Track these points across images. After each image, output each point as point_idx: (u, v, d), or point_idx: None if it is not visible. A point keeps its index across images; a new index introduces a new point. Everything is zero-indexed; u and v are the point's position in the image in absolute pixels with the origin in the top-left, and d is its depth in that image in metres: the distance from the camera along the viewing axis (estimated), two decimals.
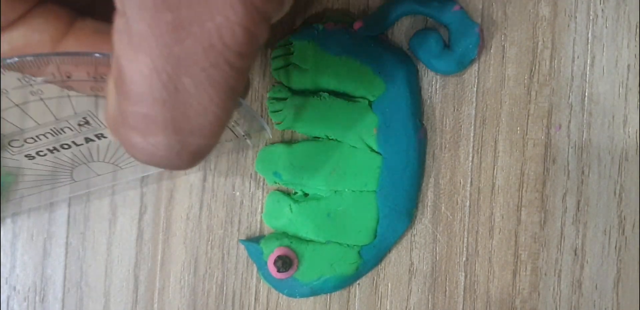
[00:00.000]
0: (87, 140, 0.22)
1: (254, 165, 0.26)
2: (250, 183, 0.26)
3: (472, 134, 0.26)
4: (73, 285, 0.27)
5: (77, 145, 0.22)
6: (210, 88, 0.15)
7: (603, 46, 0.25)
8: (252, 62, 0.16)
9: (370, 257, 0.25)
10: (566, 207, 0.25)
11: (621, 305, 0.25)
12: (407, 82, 0.25)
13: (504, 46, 0.26)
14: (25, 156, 0.22)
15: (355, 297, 0.26)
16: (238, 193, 0.26)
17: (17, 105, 0.19)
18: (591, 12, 0.25)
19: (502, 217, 0.26)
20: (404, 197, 0.25)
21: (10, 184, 0.24)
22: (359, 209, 0.25)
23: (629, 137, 0.25)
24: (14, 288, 0.27)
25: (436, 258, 0.26)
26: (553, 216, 0.25)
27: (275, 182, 0.26)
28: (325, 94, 0.25)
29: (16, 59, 0.17)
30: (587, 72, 0.25)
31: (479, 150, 0.26)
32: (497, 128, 0.26)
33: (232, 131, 0.22)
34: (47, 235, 0.27)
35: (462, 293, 0.26)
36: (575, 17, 0.25)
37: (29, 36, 0.18)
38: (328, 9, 0.26)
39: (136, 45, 0.15)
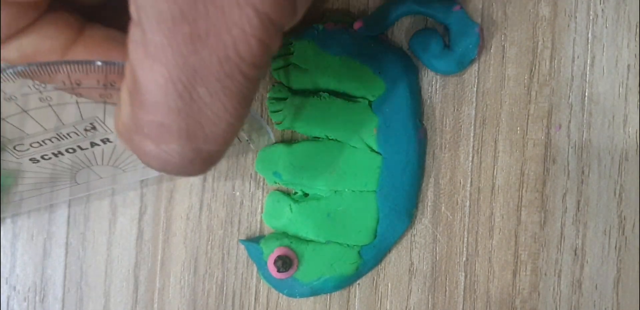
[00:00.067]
0: (93, 144, 0.22)
1: (254, 165, 0.26)
2: (250, 183, 0.26)
3: (472, 134, 0.26)
4: (73, 285, 0.27)
5: (82, 149, 0.22)
6: (225, 97, 0.16)
7: (603, 46, 0.25)
8: (265, 72, 0.17)
9: (370, 257, 0.25)
10: (566, 207, 0.25)
11: (621, 305, 0.25)
12: (407, 82, 0.25)
13: (504, 46, 0.26)
14: (30, 159, 0.22)
15: (355, 297, 0.26)
16: (238, 193, 0.26)
17: (24, 111, 0.19)
18: (591, 12, 0.25)
19: (502, 217, 0.26)
20: (404, 197, 0.25)
21: (10, 186, 0.24)
22: (359, 209, 0.25)
23: (629, 137, 0.25)
24: (14, 288, 0.27)
25: (436, 258, 0.26)
26: (553, 216, 0.25)
27: (275, 182, 0.26)
28: (325, 94, 0.25)
29: (20, 68, 0.17)
30: (587, 72, 0.25)
31: (479, 150, 0.26)
32: (497, 128, 0.26)
33: (237, 136, 0.22)
34: (47, 235, 0.27)
35: (462, 293, 0.26)
36: (575, 17, 0.25)
37: (40, 43, 0.19)
38: (328, 9, 0.26)
39: (152, 55, 0.15)
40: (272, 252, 0.25)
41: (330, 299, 0.26)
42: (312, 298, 0.26)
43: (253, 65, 0.16)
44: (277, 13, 0.15)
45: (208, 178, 0.26)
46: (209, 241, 0.26)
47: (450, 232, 0.26)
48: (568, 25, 0.25)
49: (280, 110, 0.25)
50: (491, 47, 0.26)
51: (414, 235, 0.26)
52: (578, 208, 0.25)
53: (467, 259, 0.26)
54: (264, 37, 0.15)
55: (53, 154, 0.22)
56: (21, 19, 0.18)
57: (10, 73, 0.18)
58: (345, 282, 0.26)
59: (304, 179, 0.25)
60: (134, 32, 0.15)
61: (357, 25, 0.25)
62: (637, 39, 0.25)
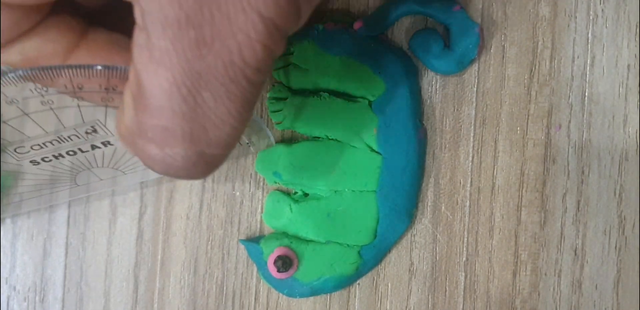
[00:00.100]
0: (94, 147, 0.22)
1: (254, 165, 0.26)
2: (250, 183, 0.26)
3: (472, 134, 0.26)
4: (73, 285, 0.27)
5: (82, 151, 0.22)
6: (229, 102, 0.16)
7: (603, 46, 0.25)
8: (269, 76, 0.17)
9: (370, 257, 0.25)
10: (566, 207, 0.25)
11: (621, 305, 0.25)
12: (407, 82, 0.25)
13: (504, 46, 0.26)
14: (30, 161, 0.22)
15: (355, 297, 0.26)
16: (238, 193, 0.26)
17: (26, 114, 0.19)
18: (591, 12, 0.25)
19: (502, 217, 0.26)
20: (404, 197, 0.25)
21: (10, 188, 0.24)
22: (359, 209, 0.25)
23: (629, 137, 0.25)
24: (14, 288, 0.27)
25: (436, 258, 0.26)
26: (553, 216, 0.25)
27: (275, 182, 0.26)
28: (325, 94, 0.25)
29: (21, 72, 0.17)
30: (587, 72, 0.25)
31: (479, 150, 0.26)
32: (497, 128, 0.26)
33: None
34: (47, 235, 0.27)
35: (462, 293, 0.26)
36: (575, 17, 0.25)
37: (42, 47, 0.19)
38: (328, 9, 0.26)
39: (157, 60, 0.15)
40: (272, 252, 0.25)
41: (330, 299, 0.26)
42: (312, 298, 0.26)
43: (257, 70, 0.16)
44: (282, 19, 0.15)
45: (208, 178, 0.26)
46: (209, 241, 0.26)
47: (450, 232, 0.26)
48: (568, 25, 0.25)
49: (280, 110, 0.25)
50: (491, 47, 0.26)
51: (414, 235, 0.26)
52: (578, 208, 0.25)
53: (467, 259, 0.26)
54: (268, 43, 0.15)
55: (53, 156, 0.22)
56: (24, 22, 0.18)
57: (12, 77, 0.18)
58: (345, 282, 0.26)
59: (304, 179, 0.25)
60: (138, 36, 0.15)
61: (357, 25, 0.25)
62: (637, 39, 0.25)
